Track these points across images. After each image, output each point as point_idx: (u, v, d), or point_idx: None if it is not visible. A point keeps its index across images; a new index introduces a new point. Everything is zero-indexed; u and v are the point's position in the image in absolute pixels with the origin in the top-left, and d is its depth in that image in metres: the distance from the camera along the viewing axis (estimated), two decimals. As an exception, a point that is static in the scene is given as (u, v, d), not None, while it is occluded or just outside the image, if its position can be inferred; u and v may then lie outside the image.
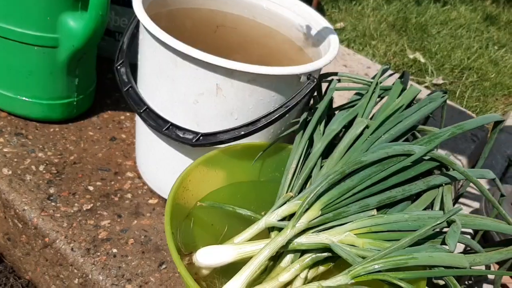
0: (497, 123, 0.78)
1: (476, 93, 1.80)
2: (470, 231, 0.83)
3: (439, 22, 2.40)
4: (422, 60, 1.97)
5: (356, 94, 0.78)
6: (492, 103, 1.76)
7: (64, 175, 0.80)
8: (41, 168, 0.80)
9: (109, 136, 0.90)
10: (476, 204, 1.06)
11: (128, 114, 0.96)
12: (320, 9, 2.11)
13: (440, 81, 1.84)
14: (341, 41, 1.98)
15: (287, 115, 0.67)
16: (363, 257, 0.56)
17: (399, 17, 2.32)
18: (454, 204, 0.67)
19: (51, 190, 0.77)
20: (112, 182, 0.81)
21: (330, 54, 0.69)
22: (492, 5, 2.85)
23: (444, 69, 1.96)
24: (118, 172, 0.83)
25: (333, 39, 0.73)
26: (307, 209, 0.59)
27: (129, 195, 0.79)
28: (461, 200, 1.10)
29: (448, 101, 1.51)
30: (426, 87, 1.77)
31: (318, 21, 0.78)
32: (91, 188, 0.79)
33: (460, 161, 1.15)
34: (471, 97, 1.76)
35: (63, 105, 0.86)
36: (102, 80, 0.99)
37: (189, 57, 0.61)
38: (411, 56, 2.00)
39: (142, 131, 0.76)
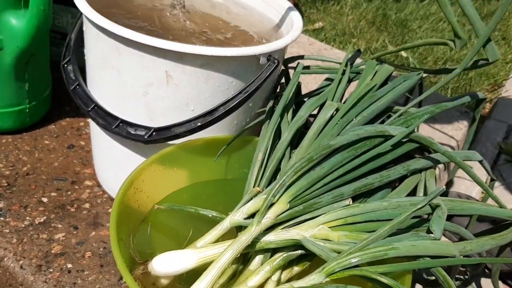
0: (479, 101, 0.73)
1: (462, 84, 1.75)
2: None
3: (419, 17, 2.36)
4: (404, 54, 1.92)
5: (326, 79, 0.72)
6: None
7: (15, 187, 0.73)
8: (-10, 182, 0.73)
9: (67, 144, 0.83)
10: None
11: (89, 119, 0.89)
12: (297, 10, 2.06)
13: (424, 74, 1.79)
14: (320, 41, 1.92)
15: (249, 103, 0.61)
16: (339, 252, 0.50)
17: (378, 14, 2.28)
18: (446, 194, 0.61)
19: (0, 205, 0.70)
20: (69, 192, 0.74)
21: (292, 33, 0.63)
22: (473, -2, 2.82)
23: (427, 61, 1.92)
24: (75, 181, 0.76)
25: (296, 19, 0.67)
26: (273, 203, 0.53)
27: (87, 205, 0.73)
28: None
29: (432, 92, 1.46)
30: (410, 80, 1.72)
31: (280, 4, 0.73)
32: (45, 199, 0.72)
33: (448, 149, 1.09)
34: (456, 87, 1.71)
35: (14, 113, 0.80)
36: (61, 87, 0.93)
37: (132, 43, 0.54)
38: (393, 52, 1.95)
39: (96, 132, 0.70)
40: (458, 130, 1.12)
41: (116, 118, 0.61)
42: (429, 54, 1.96)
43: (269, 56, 0.59)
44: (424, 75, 1.83)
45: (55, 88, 0.88)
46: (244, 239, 0.50)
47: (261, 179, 0.60)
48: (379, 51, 1.94)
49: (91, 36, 0.61)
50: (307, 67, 0.72)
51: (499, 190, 1.11)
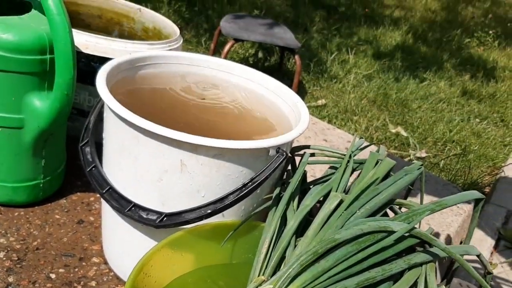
0: (478, 200, 0.75)
1: (461, 165, 1.79)
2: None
3: (419, 97, 2.45)
4: (404, 134, 1.97)
5: (331, 168, 0.76)
6: (477, 175, 1.74)
7: (25, 262, 0.75)
8: (1, 255, 0.75)
9: (77, 219, 0.85)
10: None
11: (98, 195, 0.92)
12: (301, 87, 2.15)
13: (424, 154, 1.84)
14: (322, 118, 1.99)
15: (257, 191, 0.64)
16: None
17: (379, 93, 2.36)
18: (448, 282, 0.62)
19: (10, 279, 0.71)
20: (76, 269, 0.75)
21: (300, 127, 0.67)
22: (471, 80, 2.93)
23: (427, 142, 1.97)
24: (83, 258, 0.78)
25: (304, 112, 0.72)
26: (278, 294, 0.54)
27: (93, 283, 0.74)
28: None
29: (432, 174, 1.49)
30: (410, 160, 1.76)
31: (288, 95, 0.77)
32: (53, 276, 0.73)
33: (448, 235, 1.11)
34: (455, 169, 1.74)
35: (29, 188, 0.82)
36: (74, 161, 0.96)
37: (151, 133, 0.58)
38: (393, 131, 2.01)
39: (107, 212, 0.72)
40: (458, 215, 1.14)
41: (129, 201, 0.64)
42: (429, 134, 2.01)
43: (278, 148, 0.63)
44: (424, 155, 1.86)
45: (67, 162, 0.91)
46: (249, 330, 0.52)
47: (266, 267, 0.62)
48: (379, 130, 2.00)
49: (111, 122, 0.65)
50: (313, 155, 0.75)
51: (504, 274, 1.12)
